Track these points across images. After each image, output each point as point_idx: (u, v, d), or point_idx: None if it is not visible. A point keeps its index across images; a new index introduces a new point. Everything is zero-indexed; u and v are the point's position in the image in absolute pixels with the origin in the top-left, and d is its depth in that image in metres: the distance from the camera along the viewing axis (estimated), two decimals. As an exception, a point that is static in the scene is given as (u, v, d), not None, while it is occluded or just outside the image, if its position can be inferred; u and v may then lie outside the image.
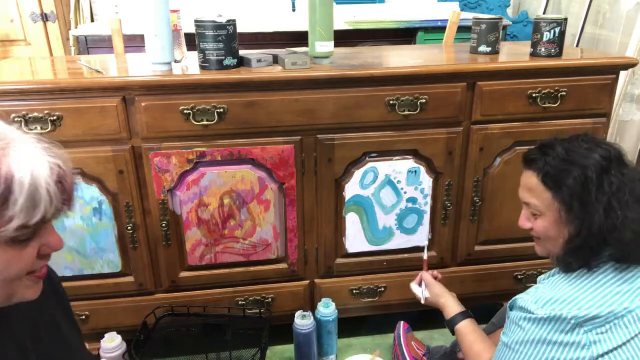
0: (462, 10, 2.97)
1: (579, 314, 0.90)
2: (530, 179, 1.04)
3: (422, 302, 1.39)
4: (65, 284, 1.50)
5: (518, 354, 0.97)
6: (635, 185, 0.95)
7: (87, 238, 1.47)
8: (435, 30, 2.59)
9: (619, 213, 0.93)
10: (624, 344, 0.90)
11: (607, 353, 0.90)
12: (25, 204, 0.61)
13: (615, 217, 0.93)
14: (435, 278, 1.43)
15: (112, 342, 1.48)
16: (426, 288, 1.39)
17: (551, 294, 0.95)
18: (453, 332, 1.29)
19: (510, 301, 1.03)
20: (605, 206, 0.93)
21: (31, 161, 0.63)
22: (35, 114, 1.32)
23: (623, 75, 1.92)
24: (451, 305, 1.31)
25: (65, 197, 0.67)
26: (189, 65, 1.49)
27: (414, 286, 1.43)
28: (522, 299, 1.00)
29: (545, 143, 1.04)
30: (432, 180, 1.57)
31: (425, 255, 1.50)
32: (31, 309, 0.80)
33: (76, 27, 2.77)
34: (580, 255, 0.97)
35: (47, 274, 0.74)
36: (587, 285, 0.94)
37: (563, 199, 0.98)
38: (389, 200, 1.57)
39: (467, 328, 1.24)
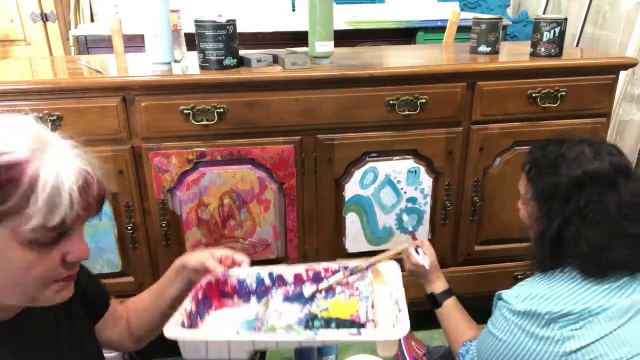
0: (462, 10, 2.96)
1: (554, 309, 0.93)
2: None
3: (427, 267, 1.31)
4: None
5: (499, 340, 1.00)
6: (608, 208, 0.94)
7: (87, 238, 1.46)
8: (435, 30, 2.58)
9: (574, 229, 0.96)
10: (597, 340, 0.91)
11: (580, 349, 0.91)
12: (45, 204, 0.61)
13: (569, 232, 0.96)
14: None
15: (112, 342, 1.48)
16: (425, 255, 1.32)
17: (530, 290, 0.99)
18: (435, 306, 1.30)
19: (496, 295, 1.06)
20: (565, 219, 0.97)
21: (60, 164, 0.63)
22: (35, 114, 1.31)
23: (623, 75, 1.92)
24: (443, 280, 1.34)
25: (87, 203, 0.66)
26: (189, 65, 1.49)
27: (414, 251, 1.33)
28: (505, 293, 1.03)
29: (549, 140, 1.07)
30: (432, 180, 1.57)
31: (413, 229, 1.48)
32: (49, 319, 0.80)
33: (76, 27, 2.77)
34: (541, 254, 1.02)
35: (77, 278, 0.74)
36: (564, 283, 0.97)
37: (536, 197, 1.03)
38: (389, 200, 1.57)
39: (456, 305, 1.28)
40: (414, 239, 1.41)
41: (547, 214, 1.00)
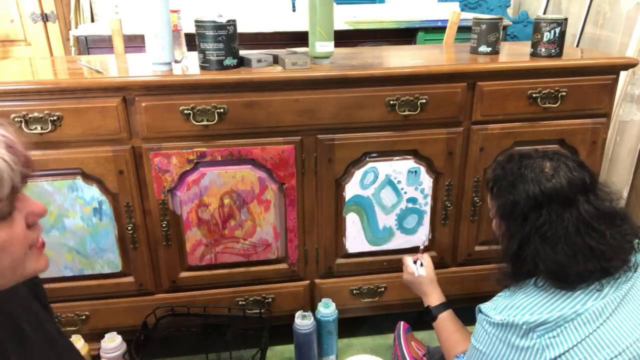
0: (462, 10, 2.96)
1: (530, 319, 0.94)
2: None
3: (416, 275, 1.40)
4: (65, 284, 1.52)
5: (481, 353, 1.02)
6: (567, 226, 0.95)
7: (87, 238, 1.47)
8: (435, 30, 2.58)
9: (532, 248, 0.97)
10: (575, 345, 0.92)
11: (559, 356, 0.92)
12: None
13: (528, 252, 0.98)
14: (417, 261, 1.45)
15: (112, 342, 1.48)
16: (421, 266, 1.41)
17: (507, 301, 1.00)
18: (431, 319, 1.34)
19: (477, 308, 1.07)
20: (523, 238, 0.98)
21: None
22: (35, 114, 1.32)
23: (623, 75, 1.92)
24: (439, 293, 1.38)
25: (22, 159, 0.66)
26: (189, 65, 1.49)
27: (410, 260, 1.44)
28: (484, 305, 1.04)
29: (511, 156, 1.08)
30: (432, 180, 1.57)
31: (423, 244, 1.53)
32: (12, 306, 0.79)
33: (76, 27, 2.77)
34: (507, 269, 1.04)
35: None
36: (538, 292, 0.98)
37: (498, 212, 1.05)
38: (389, 200, 1.57)
39: (451, 317, 1.32)
40: (422, 251, 1.48)
41: (507, 232, 1.02)
